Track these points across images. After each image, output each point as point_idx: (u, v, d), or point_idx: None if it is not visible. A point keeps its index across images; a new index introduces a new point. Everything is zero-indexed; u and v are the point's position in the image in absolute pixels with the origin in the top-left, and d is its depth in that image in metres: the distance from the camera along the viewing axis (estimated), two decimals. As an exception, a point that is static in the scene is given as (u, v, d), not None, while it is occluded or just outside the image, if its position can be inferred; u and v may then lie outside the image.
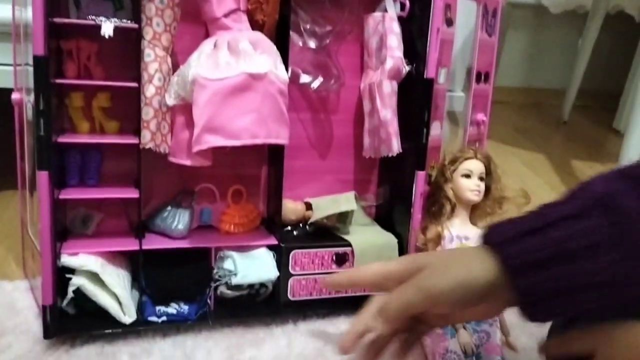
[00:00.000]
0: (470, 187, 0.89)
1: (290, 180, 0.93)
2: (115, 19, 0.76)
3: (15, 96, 0.85)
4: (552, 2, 2.12)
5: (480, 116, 1.04)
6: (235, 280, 0.82)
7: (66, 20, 0.75)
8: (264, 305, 0.88)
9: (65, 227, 0.85)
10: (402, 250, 0.93)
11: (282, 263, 0.86)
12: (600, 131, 2.08)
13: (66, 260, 0.77)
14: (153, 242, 0.83)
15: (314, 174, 0.98)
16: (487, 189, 0.92)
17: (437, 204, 0.91)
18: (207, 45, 0.75)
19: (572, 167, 1.72)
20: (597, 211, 0.49)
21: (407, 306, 0.52)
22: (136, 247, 0.81)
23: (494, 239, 0.52)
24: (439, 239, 0.88)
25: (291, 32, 0.87)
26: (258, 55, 0.75)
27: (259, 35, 0.78)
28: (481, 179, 0.90)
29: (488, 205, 0.93)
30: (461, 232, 0.89)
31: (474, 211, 0.92)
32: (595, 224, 0.49)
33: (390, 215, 0.99)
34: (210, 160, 0.79)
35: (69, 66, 0.79)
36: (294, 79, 0.89)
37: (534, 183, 1.54)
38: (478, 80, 1.01)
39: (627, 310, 0.51)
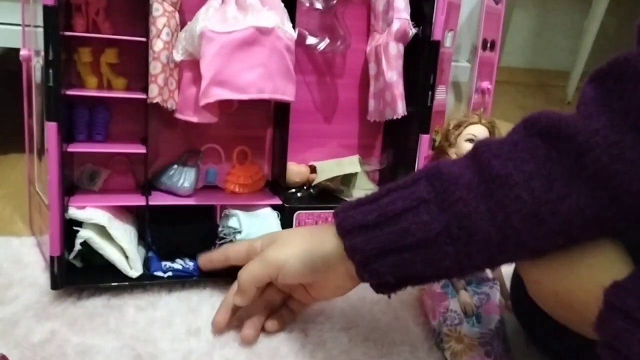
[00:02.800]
0: None
1: (296, 144, 0.94)
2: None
3: (23, 52, 0.86)
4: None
5: (485, 84, 1.04)
6: (239, 238, 0.83)
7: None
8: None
9: (73, 183, 0.86)
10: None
11: (285, 223, 0.87)
12: (603, 112, 2.08)
13: (74, 213, 0.78)
14: (159, 199, 0.84)
15: (318, 138, 0.98)
16: None
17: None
18: (214, 0, 0.75)
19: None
20: (423, 180, 0.55)
21: (254, 277, 0.62)
22: (142, 203, 0.82)
23: (337, 213, 0.58)
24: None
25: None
26: (266, 11, 0.76)
27: (266, -7, 0.78)
28: None
29: None
30: None
31: None
32: (420, 188, 0.55)
33: (394, 179, 0.99)
34: (217, 117, 0.80)
35: (77, 21, 0.79)
36: (300, 40, 0.89)
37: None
38: (484, 47, 1.02)
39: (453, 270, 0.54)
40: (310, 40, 0.91)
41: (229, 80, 0.72)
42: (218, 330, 0.66)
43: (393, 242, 0.53)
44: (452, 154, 0.90)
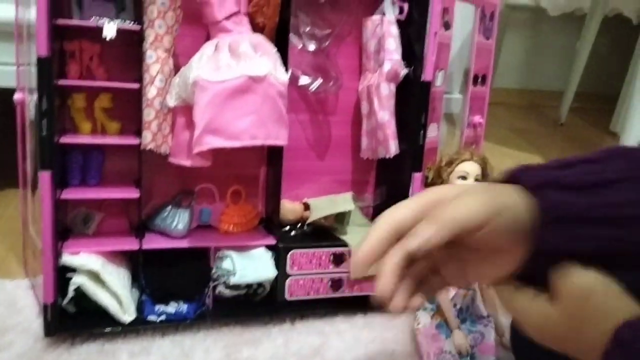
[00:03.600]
0: None
1: (289, 181, 0.94)
2: (118, 21, 0.77)
3: (17, 96, 0.86)
4: (551, 5, 2.13)
5: (477, 118, 1.05)
6: (233, 280, 0.83)
7: (69, 22, 0.76)
8: (261, 305, 0.89)
9: (67, 226, 0.86)
10: (399, 250, 0.94)
11: (279, 263, 0.87)
12: (597, 133, 2.10)
13: (67, 259, 0.78)
14: (153, 242, 0.84)
15: (312, 175, 0.99)
16: None
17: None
18: (208, 47, 0.76)
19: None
20: (617, 158, 0.49)
21: (434, 242, 0.46)
22: (136, 247, 0.82)
23: (516, 172, 0.49)
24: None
25: (291, 35, 0.88)
26: (258, 58, 0.76)
27: (259, 38, 0.79)
28: (477, 180, 0.91)
29: None
30: None
31: None
32: (617, 166, 0.48)
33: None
34: (210, 161, 0.80)
35: (71, 67, 0.80)
36: (293, 80, 0.90)
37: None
38: (475, 82, 1.03)
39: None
40: (303, 80, 0.91)
41: (221, 128, 0.72)
42: (386, 291, 0.47)
43: (599, 210, 0.46)
44: None
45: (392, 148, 0.89)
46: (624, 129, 1.33)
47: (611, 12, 2.14)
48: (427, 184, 0.94)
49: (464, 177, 0.91)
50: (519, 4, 2.15)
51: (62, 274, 0.78)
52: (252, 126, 0.73)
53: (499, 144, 1.89)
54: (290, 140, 0.85)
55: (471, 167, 0.91)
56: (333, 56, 0.94)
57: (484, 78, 1.05)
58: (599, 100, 2.23)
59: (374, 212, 1.03)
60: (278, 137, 0.78)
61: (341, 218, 0.95)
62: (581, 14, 2.10)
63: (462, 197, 0.47)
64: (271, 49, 0.80)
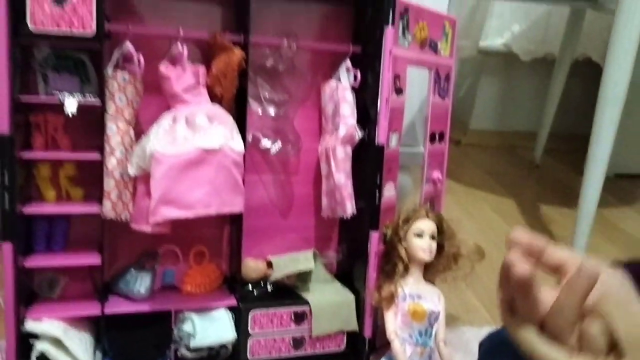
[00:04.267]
0: (422, 246, 0.92)
1: (253, 239, 0.97)
2: (80, 94, 0.81)
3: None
4: (522, 50, 2.20)
5: (436, 174, 1.09)
6: (194, 343, 0.85)
7: (32, 99, 0.80)
8: (224, 365, 0.91)
9: (33, 289, 0.88)
10: (359, 307, 0.96)
11: (241, 323, 0.90)
12: (571, 175, 2.14)
13: (30, 325, 0.80)
14: (115, 306, 0.86)
15: (276, 232, 1.02)
16: (441, 247, 0.96)
17: (391, 263, 0.94)
18: (166, 119, 0.80)
19: (540, 212, 1.77)
20: None
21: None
22: (98, 312, 0.84)
23: None
24: (392, 297, 0.91)
25: (251, 100, 0.93)
26: (214, 128, 0.80)
27: (216, 108, 0.83)
28: (433, 237, 0.94)
29: (441, 263, 0.97)
30: (414, 291, 0.92)
31: (428, 269, 0.96)
32: None
33: (350, 271, 1.02)
34: (168, 228, 0.83)
35: (36, 138, 0.84)
36: (255, 142, 0.94)
37: (501, 230, 1.58)
38: (432, 140, 1.07)
39: None
40: (264, 143, 0.95)
41: (176, 199, 0.76)
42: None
43: None
44: (402, 249, 0.93)
45: (349, 209, 0.93)
46: (586, 167, 1.33)
47: (581, 56, 2.22)
48: (385, 241, 0.97)
49: (419, 235, 0.93)
50: (493, 50, 2.22)
51: (27, 339, 0.80)
52: (206, 196, 0.77)
53: (474, 187, 1.93)
54: (254, 199, 0.89)
55: (427, 225, 0.94)
56: (293, 119, 0.98)
57: (441, 135, 1.09)
58: (572, 141, 2.28)
59: (338, 267, 1.06)
60: (233, 204, 0.81)
61: (303, 276, 0.98)
62: (552, 58, 2.17)
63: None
64: (228, 119, 0.84)
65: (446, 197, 1.77)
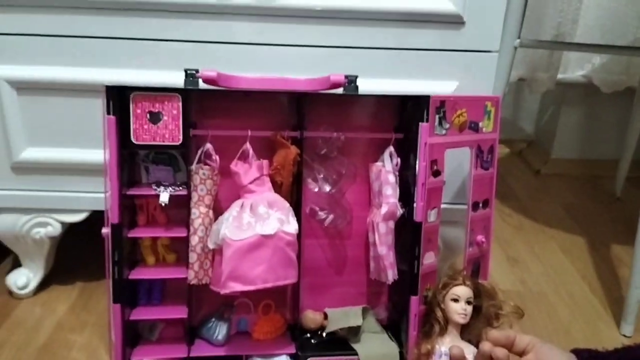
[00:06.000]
0: (458, 311, 1.04)
1: (313, 293, 1.16)
2: (172, 188, 1.04)
3: (104, 231, 1.15)
4: (603, 83, 2.19)
5: (480, 237, 1.19)
6: (259, 384, 1.05)
7: (135, 193, 1.03)
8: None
9: (138, 331, 1.12)
10: (402, 359, 1.11)
11: (299, 369, 1.08)
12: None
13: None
14: (198, 350, 1.08)
15: (333, 288, 1.19)
16: (479, 309, 1.07)
17: (429, 324, 1.08)
18: (235, 208, 1.00)
19: (611, 253, 1.78)
20: None
21: None
22: (185, 355, 1.07)
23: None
24: (428, 355, 1.05)
25: (309, 180, 1.10)
26: (272, 215, 0.99)
27: (275, 197, 1.02)
28: (469, 302, 1.06)
29: (480, 322, 1.08)
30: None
31: (465, 328, 1.08)
32: None
33: (398, 325, 1.17)
34: (238, 292, 1.03)
35: (140, 217, 1.08)
36: (312, 214, 1.12)
37: (566, 272, 1.63)
38: (475, 208, 1.18)
39: None
40: (320, 215, 1.13)
41: (241, 275, 0.96)
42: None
43: None
44: (439, 311, 1.06)
45: (390, 277, 1.08)
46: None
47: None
48: (425, 302, 1.11)
49: (456, 300, 1.05)
50: (572, 81, 2.22)
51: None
52: (264, 272, 0.96)
53: (545, 223, 1.97)
54: (313, 260, 1.08)
55: (462, 291, 1.05)
56: (344, 195, 1.14)
57: (485, 202, 1.20)
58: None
59: (388, 320, 1.21)
60: (287, 277, 1.00)
61: (354, 328, 1.14)
62: (634, 90, 2.13)
63: None
64: (285, 205, 1.02)
65: (515, 235, 1.85)
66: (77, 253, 1.52)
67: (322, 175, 1.12)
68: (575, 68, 2.24)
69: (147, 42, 1.10)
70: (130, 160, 1.06)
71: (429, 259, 1.11)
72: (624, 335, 1.39)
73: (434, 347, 1.05)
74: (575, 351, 0.82)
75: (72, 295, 1.42)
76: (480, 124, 1.14)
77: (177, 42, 1.10)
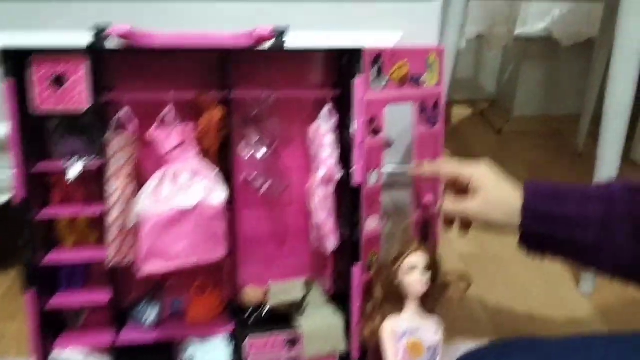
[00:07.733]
0: (416, 280, 0.96)
1: (253, 268, 1.08)
2: (86, 160, 0.94)
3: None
4: (564, 35, 2.12)
5: (428, 198, 1.12)
6: (194, 367, 0.97)
7: (40, 168, 0.93)
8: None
9: (63, 318, 1.04)
10: (348, 332, 1.04)
11: (239, 347, 1.01)
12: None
13: (56, 354, 0.96)
14: (126, 335, 1.00)
15: (275, 260, 1.11)
16: (434, 277, 0.99)
17: (378, 298, 1.00)
18: (153, 179, 0.91)
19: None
20: (599, 201, 0.77)
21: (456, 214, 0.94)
22: (110, 341, 0.98)
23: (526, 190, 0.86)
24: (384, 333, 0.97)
25: (239, 147, 1.01)
26: (195, 184, 0.90)
27: (200, 164, 0.93)
28: (428, 269, 0.98)
29: (436, 292, 1.01)
30: (412, 325, 0.96)
31: (423, 300, 0.99)
32: (595, 208, 0.77)
33: (345, 296, 1.10)
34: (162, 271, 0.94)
35: (55, 194, 0.98)
36: (246, 182, 1.03)
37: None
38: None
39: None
40: (255, 183, 1.04)
41: (161, 253, 0.87)
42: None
43: (559, 239, 0.80)
44: (393, 285, 0.97)
45: (330, 245, 1.00)
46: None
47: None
48: (369, 269, 1.04)
49: (413, 269, 0.97)
50: (532, 36, 2.16)
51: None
52: (186, 249, 0.87)
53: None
54: (251, 231, 1.02)
55: (418, 259, 0.97)
56: (282, 159, 1.06)
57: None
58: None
59: (335, 289, 1.14)
60: (214, 252, 0.91)
61: (297, 302, 1.07)
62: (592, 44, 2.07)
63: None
64: (210, 173, 0.93)
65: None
66: (9, 239, 1.42)
67: (255, 140, 1.03)
68: (535, 21, 2.17)
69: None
70: (42, 131, 0.96)
71: (372, 223, 1.04)
72: (584, 294, 1.36)
73: (393, 325, 0.97)
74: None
75: (3, 284, 1.36)
76: (422, 78, 1.06)
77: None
